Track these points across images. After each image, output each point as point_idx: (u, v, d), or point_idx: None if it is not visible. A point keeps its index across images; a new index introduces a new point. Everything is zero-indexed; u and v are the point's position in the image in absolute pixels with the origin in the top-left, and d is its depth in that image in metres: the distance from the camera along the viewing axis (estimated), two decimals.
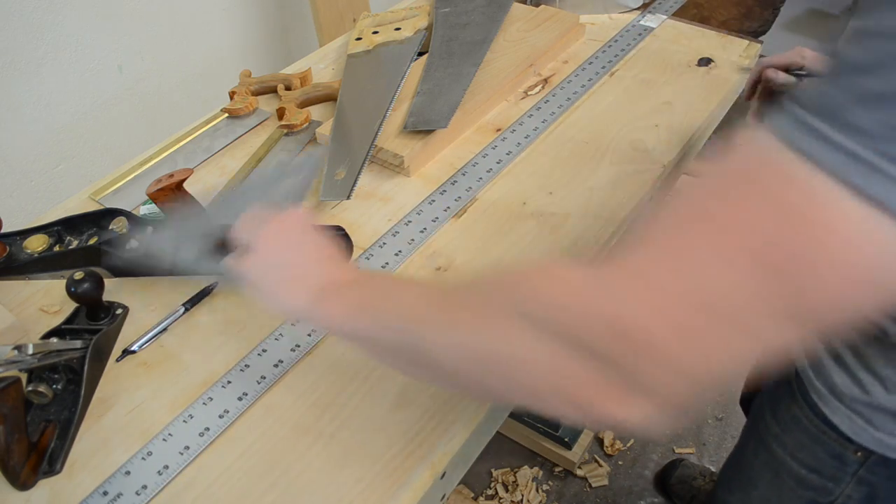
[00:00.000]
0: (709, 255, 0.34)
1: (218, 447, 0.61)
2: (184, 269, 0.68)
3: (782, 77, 0.88)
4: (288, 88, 1.04)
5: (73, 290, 0.66)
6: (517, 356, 0.39)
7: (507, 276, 0.42)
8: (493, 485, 1.55)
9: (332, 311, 0.52)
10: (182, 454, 0.60)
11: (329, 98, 1.03)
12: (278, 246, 0.57)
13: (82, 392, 0.63)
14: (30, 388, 0.61)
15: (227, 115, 1.02)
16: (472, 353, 0.42)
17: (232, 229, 0.59)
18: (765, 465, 0.77)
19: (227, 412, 0.63)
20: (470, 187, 0.86)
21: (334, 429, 0.61)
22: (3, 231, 0.76)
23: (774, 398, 0.76)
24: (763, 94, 0.92)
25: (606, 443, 1.60)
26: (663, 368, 0.34)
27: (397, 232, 0.80)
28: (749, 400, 1.22)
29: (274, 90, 1.06)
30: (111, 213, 0.79)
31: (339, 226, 0.79)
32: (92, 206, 0.87)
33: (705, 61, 1.07)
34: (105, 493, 0.57)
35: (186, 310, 0.73)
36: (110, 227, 0.77)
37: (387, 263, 0.76)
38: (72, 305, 0.70)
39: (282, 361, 0.67)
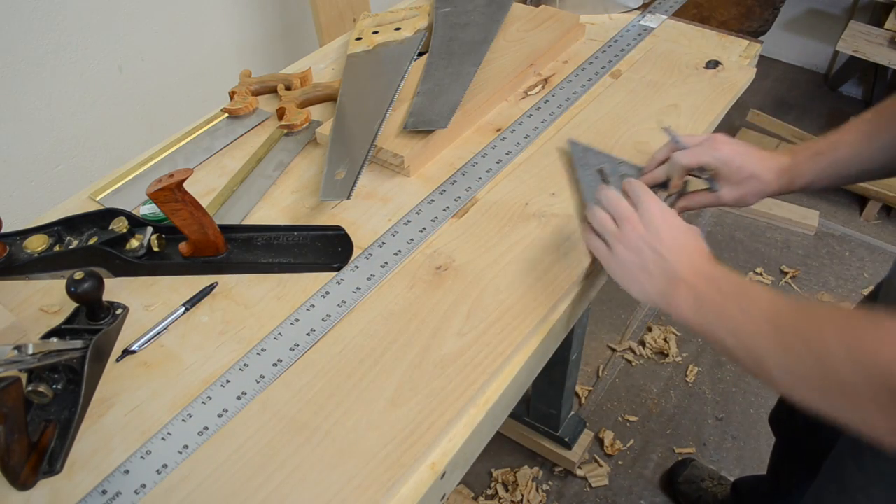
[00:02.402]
0: None
1: (214, 442, 0.61)
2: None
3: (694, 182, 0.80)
4: (288, 88, 1.04)
5: (73, 290, 0.66)
6: (867, 421, 0.44)
7: (852, 321, 0.47)
8: (493, 485, 1.55)
9: (681, 304, 0.58)
10: (181, 453, 0.60)
11: (329, 98, 1.03)
12: (643, 231, 0.63)
13: (82, 392, 0.63)
14: (30, 388, 0.62)
15: (227, 115, 1.02)
16: (812, 385, 0.48)
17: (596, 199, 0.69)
18: None
19: (226, 411, 0.63)
20: (469, 187, 0.86)
21: (329, 426, 0.61)
22: (3, 231, 0.76)
23: (858, 446, 0.71)
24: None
25: (606, 443, 1.60)
26: None
27: (396, 231, 0.80)
28: (779, 419, 1.16)
29: (274, 90, 1.06)
30: (111, 213, 0.79)
31: (338, 226, 0.80)
32: (92, 206, 0.87)
33: (713, 64, 1.06)
34: (104, 492, 0.58)
35: (186, 310, 0.73)
36: (110, 227, 0.77)
37: (386, 263, 0.76)
38: (72, 305, 0.70)
39: (281, 360, 0.67)
